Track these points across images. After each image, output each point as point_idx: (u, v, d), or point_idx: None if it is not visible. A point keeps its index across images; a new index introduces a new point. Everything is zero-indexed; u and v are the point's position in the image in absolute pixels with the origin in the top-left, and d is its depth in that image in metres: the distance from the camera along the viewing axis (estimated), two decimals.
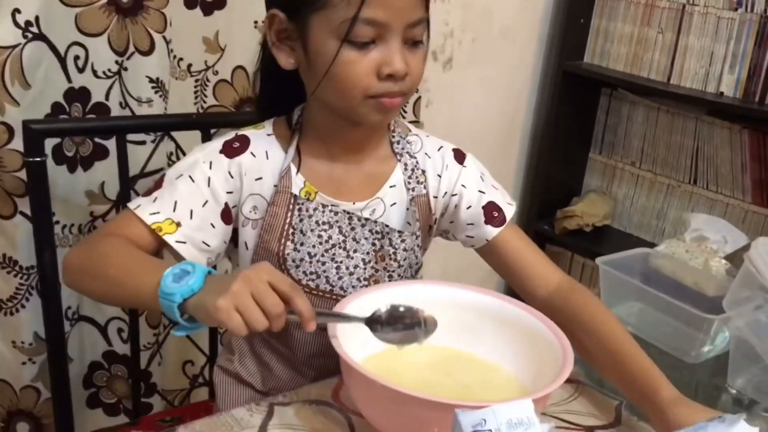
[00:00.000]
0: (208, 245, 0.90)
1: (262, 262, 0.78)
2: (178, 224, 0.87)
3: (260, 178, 0.91)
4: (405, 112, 1.70)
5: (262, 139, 0.93)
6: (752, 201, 1.93)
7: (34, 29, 1.15)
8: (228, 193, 0.90)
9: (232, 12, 1.39)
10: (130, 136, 1.23)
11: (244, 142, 0.92)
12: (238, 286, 0.72)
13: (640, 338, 1.10)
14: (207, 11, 1.37)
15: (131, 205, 0.89)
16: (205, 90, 1.42)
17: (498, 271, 1.02)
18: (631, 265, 1.16)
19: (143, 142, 1.31)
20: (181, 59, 1.36)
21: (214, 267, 0.88)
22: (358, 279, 0.93)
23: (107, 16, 1.23)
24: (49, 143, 1.20)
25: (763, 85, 1.80)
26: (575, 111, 2.16)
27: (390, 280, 0.95)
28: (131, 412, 1.30)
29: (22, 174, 1.17)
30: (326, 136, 0.93)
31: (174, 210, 0.88)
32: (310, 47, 0.85)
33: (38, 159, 1.03)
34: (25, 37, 1.14)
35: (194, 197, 0.89)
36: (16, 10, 1.12)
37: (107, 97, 1.28)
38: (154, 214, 0.88)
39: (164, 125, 1.24)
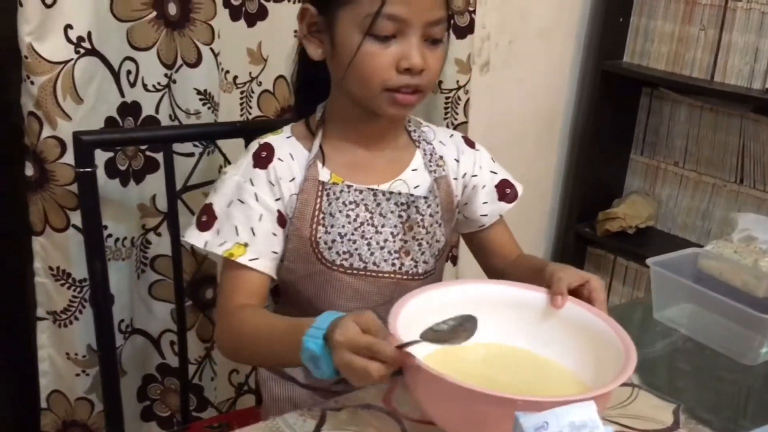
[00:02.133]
0: (276, 252, 0.97)
1: (340, 322, 0.78)
2: (246, 245, 0.95)
3: (293, 179, 0.97)
4: (456, 113, 1.70)
5: (284, 142, 1.00)
6: None
7: (87, 45, 1.18)
8: (276, 200, 0.97)
9: (273, 22, 1.41)
10: (178, 148, 1.26)
11: (269, 150, 0.98)
12: (339, 357, 0.76)
13: (694, 340, 1.08)
14: (250, 23, 1.39)
15: (197, 242, 0.96)
16: (250, 101, 1.44)
17: (471, 247, 1.14)
18: (682, 265, 1.14)
19: (191, 154, 1.32)
20: (227, 72, 1.38)
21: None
22: (389, 252, 0.98)
23: (156, 29, 1.26)
24: (103, 157, 1.24)
25: None
26: (615, 111, 2.13)
27: (419, 249, 1.00)
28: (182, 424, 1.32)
29: (75, 188, 1.19)
30: (348, 126, 0.99)
31: (237, 234, 0.95)
32: (337, 39, 0.92)
33: (89, 170, 1.06)
34: (77, 52, 1.16)
35: (250, 217, 0.95)
36: (68, 26, 1.14)
37: (157, 110, 1.31)
38: (222, 244, 0.95)
39: (209, 134, 1.26)
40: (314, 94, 1.03)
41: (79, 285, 1.28)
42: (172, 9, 1.27)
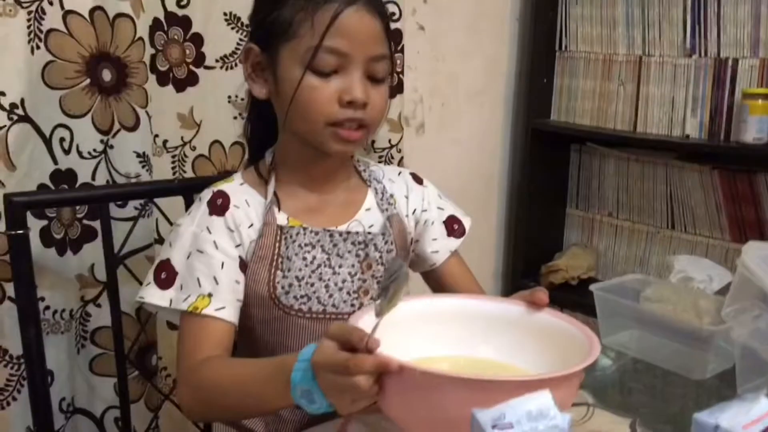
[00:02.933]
0: (239, 300, 0.94)
1: (318, 345, 0.74)
2: (210, 295, 0.91)
3: (251, 225, 0.95)
4: None
5: (237, 189, 0.98)
6: (732, 239, 1.94)
7: (20, 111, 1.16)
8: (237, 246, 0.95)
9: (205, 88, 1.42)
10: (116, 213, 1.24)
11: (224, 197, 0.96)
12: (322, 382, 0.72)
13: (644, 361, 1.09)
14: (179, 88, 1.39)
15: (160, 301, 0.92)
16: (183, 165, 1.43)
17: (431, 287, 1.12)
18: (625, 291, 1.16)
19: (130, 218, 1.30)
20: (156, 135, 1.38)
21: None
22: (348, 293, 0.96)
23: (90, 96, 1.25)
24: (37, 225, 1.20)
25: (726, 123, 1.85)
26: (548, 168, 2.19)
27: (378, 286, 0.97)
28: None
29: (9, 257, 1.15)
30: (298, 169, 0.98)
31: (200, 285, 0.92)
32: (279, 75, 0.92)
33: (20, 232, 1.02)
34: (10, 119, 1.15)
35: (211, 265, 0.93)
36: (1, 93, 1.13)
37: (93, 177, 1.29)
38: (186, 299, 0.91)
39: (147, 192, 1.23)
40: (266, 139, 1.03)
41: (17, 362, 1.22)
42: (107, 75, 1.27)
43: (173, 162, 1.42)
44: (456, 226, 1.09)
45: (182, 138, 1.42)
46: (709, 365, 1.03)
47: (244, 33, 1.44)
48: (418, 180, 1.10)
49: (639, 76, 1.99)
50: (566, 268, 2.14)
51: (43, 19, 1.17)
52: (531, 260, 2.21)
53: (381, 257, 0.99)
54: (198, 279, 0.92)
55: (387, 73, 0.94)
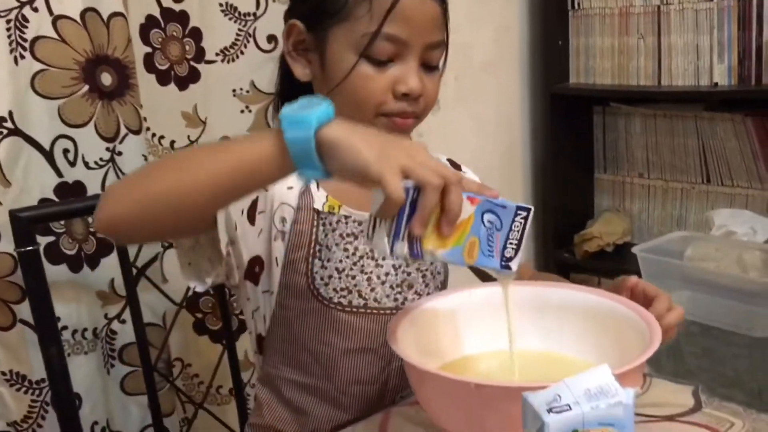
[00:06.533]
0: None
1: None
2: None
3: (291, 188, 0.88)
4: None
5: None
6: None
7: (9, 125, 1.11)
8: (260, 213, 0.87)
9: (207, 84, 1.36)
10: None
11: None
12: (396, 151, 0.63)
13: (698, 323, 1.02)
14: (182, 86, 1.34)
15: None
16: None
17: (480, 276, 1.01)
18: (670, 250, 1.08)
19: None
20: (162, 137, 1.33)
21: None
22: (391, 287, 0.90)
23: (91, 103, 1.20)
24: (42, 242, 1.15)
25: (756, 66, 1.77)
26: (572, 133, 2.12)
27: (423, 281, 0.92)
28: None
29: (15, 278, 1.11)
30: None
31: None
32: (328, 59, 0.85)
33: (30, 248, 0.98)
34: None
35: (230, 215, 0.83)
36: None
37: (104, 186, 1.23)
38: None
39: None
40: None
41: (37, 387, 1.18)
42: (107, 79, 1.22)
43: None
44: None
45: (188, 137, 1.36)
46: None
47: (243, 23, 1.38)
48: (456, 166, 1.05)
49: (659, 27, 1.91)
50: (600, 235, 2.06)
51: (26, 27, 1.12)
52: (563, 230, 2.14)
53: None
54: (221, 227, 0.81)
55: (441, 60, 0.88)
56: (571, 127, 2.11)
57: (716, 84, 1.83)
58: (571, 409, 0.50)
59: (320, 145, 0.65)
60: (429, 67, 0.86)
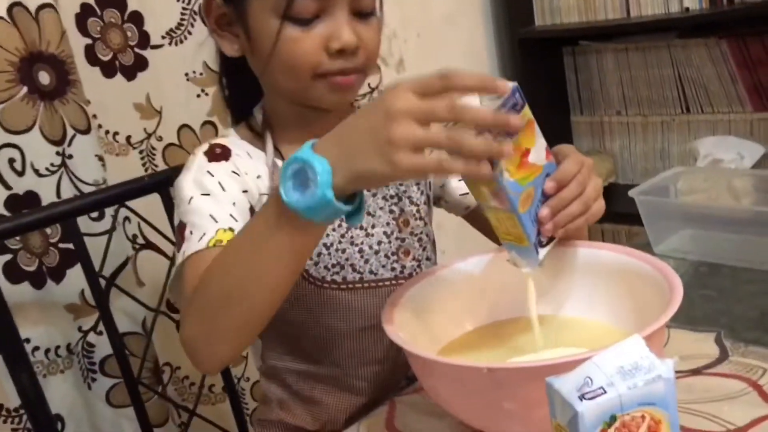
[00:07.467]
0: None
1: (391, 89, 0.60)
2: (231, 229, 0.75)
3: (259, 176, 0.81)
4: None
5: (236, 143, 0.84)
6: (754, 109, 1.81)
7: None
8: (243, 192, 0.80)
9: (157, 70, 1.27)
10: (92, 229, 1.13)
11: (223, 148, 0.82)
12: (395, 127, 0.57)
13: (707, 263, 0.96)
14: (129, 76, 1.25)
15: (186, 251, 0.75)
16: (154, 159, 1.30)
17: (479, 228, 0.95)
18: (667, 189, 1.02)
19: (104, 233, 1.16)
20: (116, 133, 1.24)
21: None
22: (386, 255, 0.84)
23: (32, 106, 1.11)
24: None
25: None
26: (543, 77, 2.04)
27: (420, 244, 0.86)
28: None
29: None
30: (296, 129, 0.83)
31: (216, 221, 0.75)
32: (252, 29, 0.78)
33: None
34: None
35: (220, 203, 0.77)
36: None
37: (59, 194, 1.15)
38: (201, 238, 0.74)
39: (117, 196, 1.07)
40: (251, 96, 0.87)
41: (16, 414, 1.11)
42: (44, 78, 1.12)
43: (142, 158, 1.28)
44: None
45: (145, 129, 1.28)
46: None
47: (186, 1, 1.28)
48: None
49: None
50: None
51: None
52: None
53: (418, 211, 0.86)
54: (211, 215, 0.76)
55: (375, 4, 0.79)
56: (542, 71, 2.03)
57: (687, 9, 1.77)
58: (605, 392, 0.44)
59: (344, 192, 0.60)
60: (362, 14, 0.77)
